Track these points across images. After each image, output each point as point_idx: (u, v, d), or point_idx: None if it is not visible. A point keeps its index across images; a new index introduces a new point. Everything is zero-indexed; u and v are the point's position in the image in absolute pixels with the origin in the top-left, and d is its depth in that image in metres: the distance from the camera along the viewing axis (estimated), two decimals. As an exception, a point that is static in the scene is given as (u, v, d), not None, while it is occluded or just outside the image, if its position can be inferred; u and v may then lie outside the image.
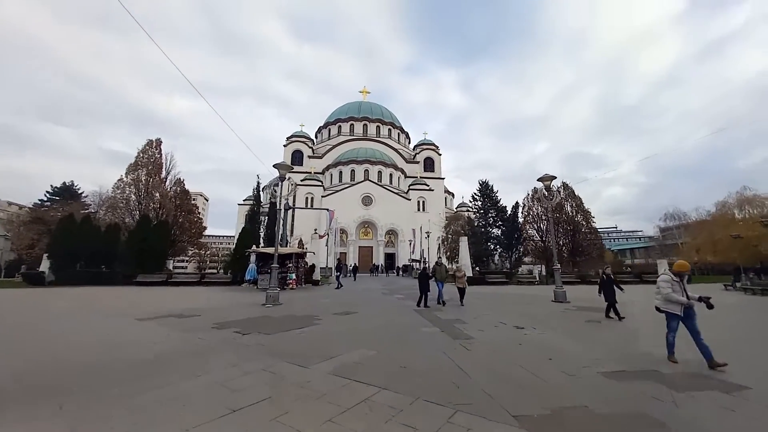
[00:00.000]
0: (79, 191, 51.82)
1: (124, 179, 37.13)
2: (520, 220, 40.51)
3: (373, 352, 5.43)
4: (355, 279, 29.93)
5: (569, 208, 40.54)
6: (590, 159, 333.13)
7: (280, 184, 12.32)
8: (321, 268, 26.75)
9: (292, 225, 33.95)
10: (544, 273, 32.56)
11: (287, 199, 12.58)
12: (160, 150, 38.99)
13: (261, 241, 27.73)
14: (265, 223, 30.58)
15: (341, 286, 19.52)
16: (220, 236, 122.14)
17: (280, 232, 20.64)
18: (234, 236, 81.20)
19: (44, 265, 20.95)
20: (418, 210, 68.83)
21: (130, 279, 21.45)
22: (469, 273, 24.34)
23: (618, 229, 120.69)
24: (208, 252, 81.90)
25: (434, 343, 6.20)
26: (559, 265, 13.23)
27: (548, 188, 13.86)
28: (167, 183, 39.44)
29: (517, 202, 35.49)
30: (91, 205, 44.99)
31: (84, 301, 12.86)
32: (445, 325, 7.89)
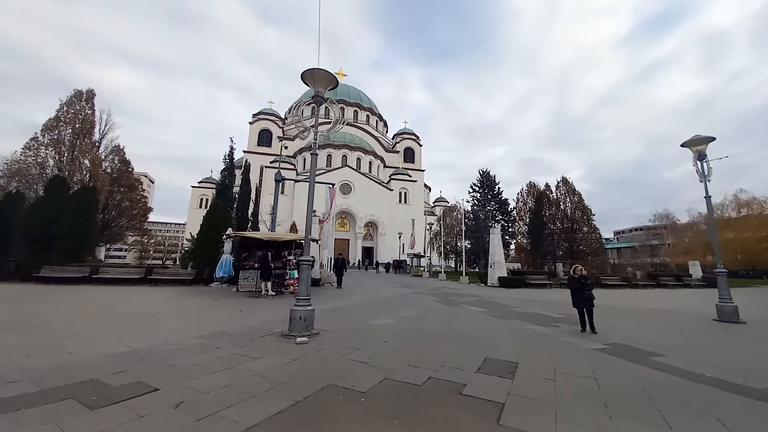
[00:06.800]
0: (-22, 158, 39.92)
1: (40, 138, 27.94)
2: (514, 214, 37.60)
3: None
4: (340, 285, 16.67)
5: (569, 205, 38.67)
6: (543, 165, 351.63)
7: (315, 108, 6.51)
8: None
9: (256, 208, 26.76)
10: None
11: (327, 136, 6.69)
12: (93, 105, 30.00)
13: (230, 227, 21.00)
14: (236, 206, 23.67)
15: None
16: (167, 223, 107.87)
17: (275, 210, 14.61)
18: (184, 223, 70.53)
19: None
20: (400, 201, 64.44)
21: (29, 273, 14.06)
22: (503, 272, 19.94)
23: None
24: (152, 241, 70.58)
25: None
26: (725, 269, 8.95)
27: (702, 156, 9.53)
28: (101, 149, 30.70)
29: (544, 192, 31.81)
30: (1, 177, 34.31)
31: None
32: None
